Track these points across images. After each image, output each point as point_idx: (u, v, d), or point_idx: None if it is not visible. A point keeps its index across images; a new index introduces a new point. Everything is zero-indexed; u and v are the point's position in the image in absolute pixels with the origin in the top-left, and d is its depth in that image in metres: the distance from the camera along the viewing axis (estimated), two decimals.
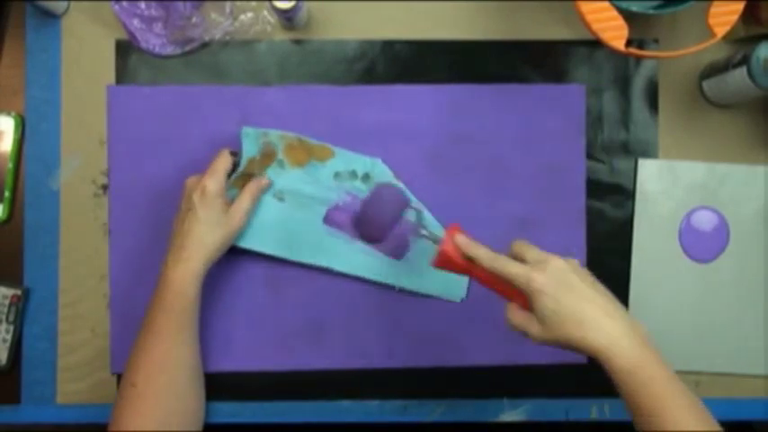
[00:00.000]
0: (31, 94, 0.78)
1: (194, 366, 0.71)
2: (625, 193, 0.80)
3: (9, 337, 0.76)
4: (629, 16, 0.69)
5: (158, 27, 0.78)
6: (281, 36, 0.79)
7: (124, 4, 0.77)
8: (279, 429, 0.79)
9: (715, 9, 0.69)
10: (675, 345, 0.80)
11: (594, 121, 0.80)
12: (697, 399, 0.57)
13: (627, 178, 0.81)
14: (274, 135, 0.76)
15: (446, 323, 0.78)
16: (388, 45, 0.80)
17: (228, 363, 0.77)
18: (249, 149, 0.75)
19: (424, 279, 0.77)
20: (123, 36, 0.78)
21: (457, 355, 0.78)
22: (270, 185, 0.75)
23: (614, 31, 0.69)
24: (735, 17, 0.69)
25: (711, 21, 0.69)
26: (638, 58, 0.81)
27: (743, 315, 0.80)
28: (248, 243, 0.76)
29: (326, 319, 0.78)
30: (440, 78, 0.80)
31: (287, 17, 0.74)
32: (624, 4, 0.70)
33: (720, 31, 0.69)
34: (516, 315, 0.61)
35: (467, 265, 0.64)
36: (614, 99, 0.81)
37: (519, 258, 0.61)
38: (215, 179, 0.71)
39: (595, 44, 0.78)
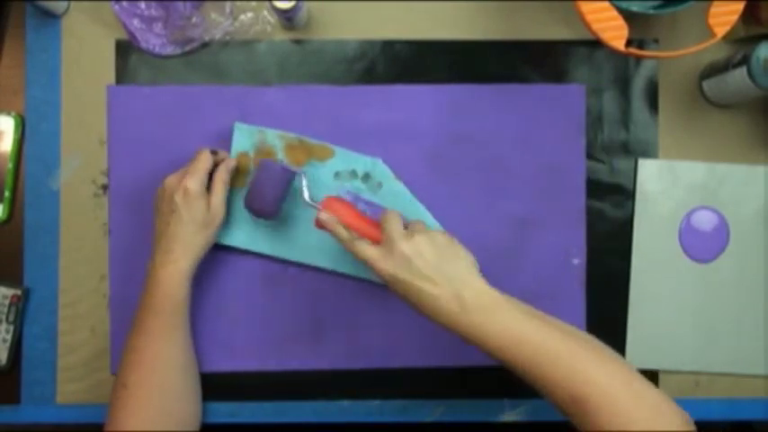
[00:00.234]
0: (31, 94, 0.78)
1: (187, 366, 0.71)
2: (625, 193, 0.80)
3: (9, 337, 0.76)
4: (629, 16, 0.69)
5: (158, 27, 0.78)
6: (281, 36, 0.79)
7: (124, 4, 0.77)
8: (279, 429, 0.79)
9: (715, 9, 0.69)
10: (675, 345, 0.80)
11: (594, 121, 0.80)
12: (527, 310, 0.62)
13: (627, 178, 0.81)
14: (272, 134, 0.76)
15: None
16: (388, 45, 0.80)
17: (228, 363, 0.77)
18: (240, 144, 0.76)
19: None
20: (123, 36, 0.78)
21: (457, 355, 0.78)
22: (236, 165, 0.74)
23: (614, 31, 0.69)
24: (735, 17, 0.69)
25: (711, 21, 0.69)
26: (638, 58, 0.81)
27: (743, 315, 0.80)
28: (245, 243, 0.76)
29: (326, 319, 0.78)
30: (440, 78, 0.80)
31: (287, 17, 0.74)
32: (624, 4, 0.70)
33: (720, 31, 0.69)
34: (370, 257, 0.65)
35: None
36: (614, 99, 0.81)
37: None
38: (196, 179, 0.70)
39: (595, 44, 0.78)
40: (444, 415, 0.79)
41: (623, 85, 0.81)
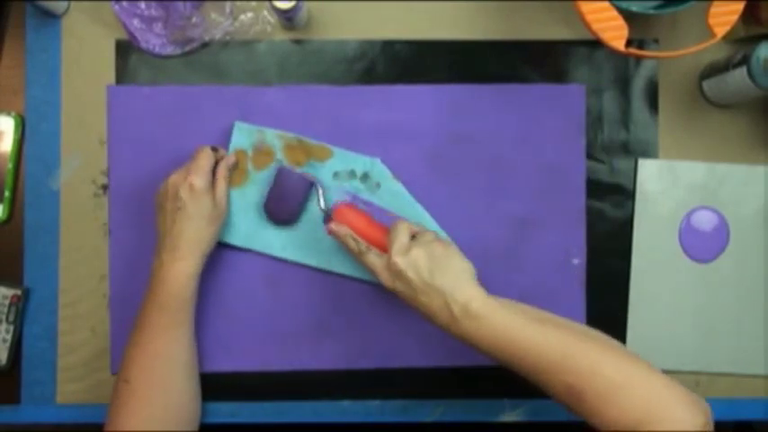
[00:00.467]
0: (31, 94, 0.78)
1: (189, 363, 0.71)
2: (625, 193, 0.80)
3: (9, 337, 0.76)
4: (629, 16, 0.69)
5: (158, 27, 0.78)
6: (281, 36, 0.79)
7: (124, 4, 0.77)
8: (279, 429, 0.79)
9: (715, 9, 0.69)
10: (675, 345, 0.80)
11: (594, 121, 0.80)
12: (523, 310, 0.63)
13: (627, 178, 0.81)
14: (271, 134, 0.76)
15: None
16: (388, 45, 0.80)
17: (228, 363, 0.77)
18: (239, 141, 0.76)
19: None
20: (123, 36, 0.78)
21: (457, 355, 0.78)
22: (236, 161, 0.76)
23: (614, 31, 0.69)
24: (735, 17, 0.69)
25: (711, 21, 0.69)
26: (638, 58, 0.81)
27: (743, 315, 0.80)
28: (245, 242, 0.76)
29: (326, 319, 0.78)
30: (440, 78, 0.80)
31: (287, 17, 0.74)
32: (624, 4, 0.70)
33: (720, 31, 0.69)
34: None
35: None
36: (614, 99, 0.81)
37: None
38: (201, 175, 0.71)
39: (595, 44, 0.78)
40: (444, 415, 0.79)
41: (623, 85, 0.81)
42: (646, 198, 0.80)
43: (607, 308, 0.80)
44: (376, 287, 0.78)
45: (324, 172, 0.77)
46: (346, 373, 0.78)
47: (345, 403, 0.79)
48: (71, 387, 0.77)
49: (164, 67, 0.79)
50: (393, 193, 0.77)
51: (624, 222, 0.80)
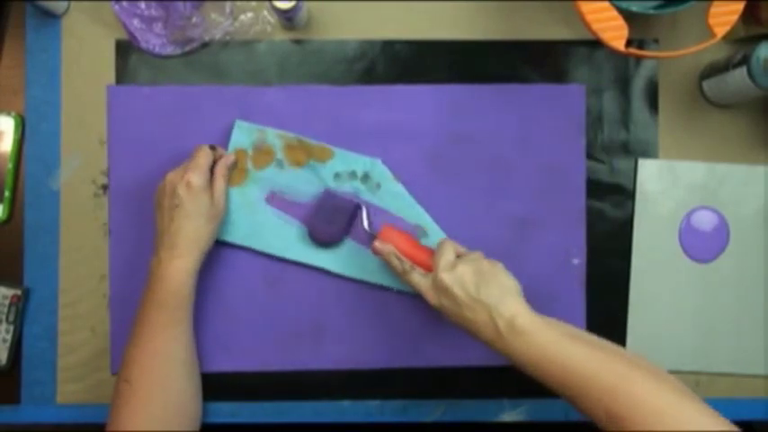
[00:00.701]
0: (31, 94, 0.78)
1: (189, 362, 0.71)
2: (625, 193, 0.80)
3: (9, 337, 0.76)
4: (629, 16, 0.69)
5: (158, 27, 0.78)
6: (281, 36, 0.79)
7: (124, 4, 0.77)
8: (279, 429, 0.79)
9: (715, 9, 0.69)
10: (675, 345, 0.80)
11: (594, 121, 0.80)
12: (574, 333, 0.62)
13: (627, 178, 0.81)
14: (271, 133, 0.76)
15: (445, 323, 0.78)
16: (388, 45, 0.80)
17: (228, 363, 0.77)
18: (239, 140, 0.76)
19: None
20: (123, 36, 0.78)
21: (457, 355, 0.78)
22: (235, 160, 0.76)
23: (614, 31, 0.69)
24: (735, 17, 0.69)
25: (711, 21, 0.69)
26: (638, 58, 0.81)
27: (743, 315, 0.80)
28: (244, 241, 0.76)
29: (326, 319, 0.78)
30: (440, 78, 0.80)
31: (287, 17, 0.74)
32: (624, 4, 0.70)
33: (720, 31, 0.69)
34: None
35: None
36: (614, 99, 0.81)
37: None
38: (199, 173, 0.71)
39: (595, 44, 0.78)
40: (444, 415, 0.79)
41: (623, 85, 0.81)
42: (646, 198, 0.80)
43: (607, 308, 0.80)
44: (375, 287, 0.77)
45: (325, 173, 0.77)
46: (346, 373, 0.78)
47: (345, 403, 0.79)
48: (71, 387, 0.77)
49: (164, 67, 0.79)
50: (393, 194, 0.77)
51: (624, 222, 0.80)
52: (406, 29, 0.80)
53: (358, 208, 0.76)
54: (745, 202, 0.80)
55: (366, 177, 0.77)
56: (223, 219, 0.74)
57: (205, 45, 0.79)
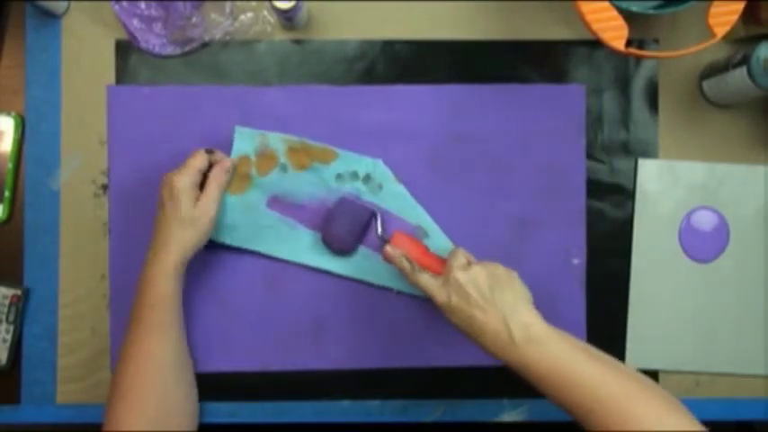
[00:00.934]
0: (31, 94, 0.78)
1: (180, 363, 0.71)
2: (625, 193, 0.80)
3: (9, 337, 0.76)
4: (629, 16, 0.69)
5: (158, 27, 0.78)
6: (281, 36, 0.79)
7: (124, 4, 0.77)
8: (279, 429, 0.79)
9: (715, 9, 0.69)
10: (675, 345, 0.80)
11: (594, 121, 0.80)
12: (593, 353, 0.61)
13: (627, 178, 0.81)
14: (274, 138, 0.76)
15: (446, 323, 0.78)
16: (388, 45, 0.80)
17: (228, 363, 0.77)
18: (242, 148, 0.75)
19: None
20: (123, 36, 0.78)
21: (457, 355, 0.78)
22: (234, 165, 0.75)
23: (614, 31, 0.69)
24: (735, 17, 0.69)
25: (711, 21, 0.69)
26: (638, 58, 0.81)
27: (743, 315, 0.80)
28: (246, 244, 0.76)
29: (326, 319, 0.78)
30: (440, 78, 0.80)
31: (287, 17, 0.74)
32: (624, 4, 0.70)
33: (720, 31, 0.69)
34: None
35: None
36: (614, 99, 0.81)
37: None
38: (183, 175, 0.70)
39: (595, 44, 0.78)
40: (444, 415, 0.79)
41: (623, 85, 0.81)
42: (646, 198, 0.80)
43: (607, 308, 0.80)
44: (375, 287, 0.77)
45: (328, 174, 0.77)
46: (346, 373, 0.78)
47: (345, 403, 0.79)
48: (71, 387, 0.77)
49: (164, 67, 0.79)
50: (395, 195, 0.77)
51: (624, 222, 0.80)
52: (406, 29, 0.80)
53: (373, 215, 0.76)
54: (745, 202, 0.80)
55: (368, 178, 0.77)
56: (219, 223, 0.74)
57: (205, 45, 0.79)
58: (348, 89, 0.79)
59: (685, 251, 0.80)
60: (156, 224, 0.71)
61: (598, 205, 0.80)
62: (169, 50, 0.78)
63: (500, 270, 0.65)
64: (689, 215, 0.80)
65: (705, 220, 0.80)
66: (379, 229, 0.75)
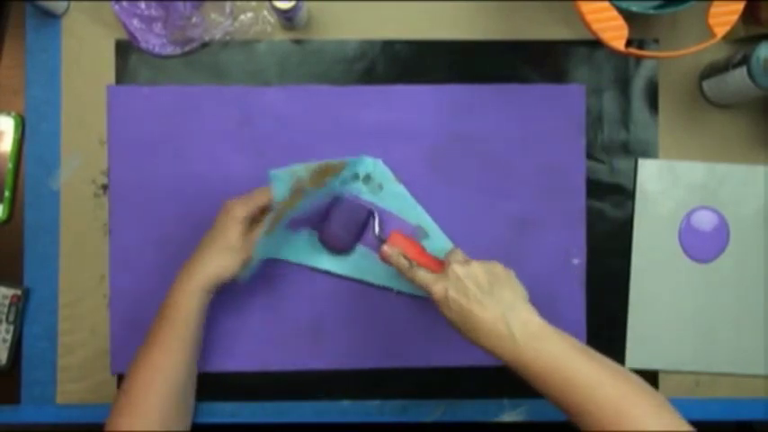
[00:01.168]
0: (31, 94, 0.78)
1: (185, 381, 0.70)
2: (625, 193, 0.81)
3: (9, 337, 0.76)
4: (629, 16, 0.69)
5: (158, 27, 0.78)
6: (281, 36, 0.79)
7: (124, 4, 0.77)
8: (279, 429, 0.79)
9: (715, 9, 0.69)
10: (675, 345, 0.80)
11: (594, 121, 0.80)
12: (593, 355, 0.61)
13: (627, 178, 0.81)
14: (301, 169, 0.70)
15: (446, 323, 0.78)
16: (388, 45, 0.80)
17: (229, 363, 0.77)
18: (281, 192, 0.69)
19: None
20: (123, 36, 0.78)
21: (457, 355, 0.78)
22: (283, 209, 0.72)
23: (614, 31, 0.69)
24: (735, 17, 0.69)
25: (711, 21, 0.69)
26: (638, 58, 0.81)
27: (743, 315, 0.80)
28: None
29: (326, 319, 0.78)
30: (440, 78, 0.80)
31: (287, 17, 0.74)
32: (624, 4, 0.70)
33: (720, 31, 0.69)
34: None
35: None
36: (614, 99, 0.81)
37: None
38: (243, 204, 0.69)
39: (595, 44, 0.78)
40: (444, 415, 0.79)
41: (623, 85, 0.81)
42: (646, 198, 0.80)
43: (607, 308, 0.80)
44: (375, 288, 0.78)
45: (335, 184, 0.76)
46: (346, 373, 0.78)
47: (345, 403, 0.79)
48: (71, 387, 0.77)
49: (164, 67, 0.79)
50: (395, 195, 0.77)
51: (624, 222, 0.80)
52: (406, 29, 0.80)
53: (370, 214, 0.76)
54: (745, 202, 0.80)
55: (368, 178, 0.77)
56: (252, 266, 0.71)
57: (205, 45, 0.79)
58: (348, 89, 0.79)
59: (685, 251, 0.80)
60: (201, 242, 0.70)
61: (598, 205, 0.80)
62: (169, 50, 0.78)
63: (498, 268, 0.65)
64: (689, 215, 0.80)
65: (705, 220, 0.80)
66: (377, 229, 0.75)
